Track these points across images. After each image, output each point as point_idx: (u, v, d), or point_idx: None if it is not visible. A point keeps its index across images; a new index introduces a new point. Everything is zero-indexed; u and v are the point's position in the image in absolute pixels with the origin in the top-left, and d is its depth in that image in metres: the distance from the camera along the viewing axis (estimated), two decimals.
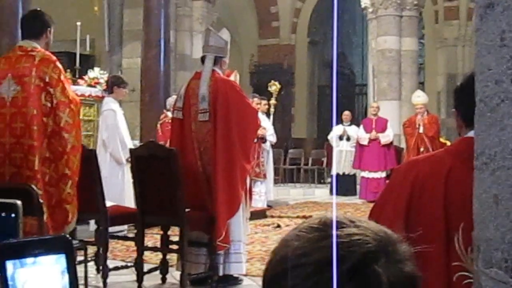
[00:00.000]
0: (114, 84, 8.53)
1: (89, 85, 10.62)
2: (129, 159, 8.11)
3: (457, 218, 1.84)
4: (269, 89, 13.46)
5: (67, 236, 0.95)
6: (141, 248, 5.60)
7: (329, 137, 14.80)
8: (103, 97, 9.48)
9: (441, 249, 1.86)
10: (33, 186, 4.44)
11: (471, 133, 1.93)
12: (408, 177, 2.08)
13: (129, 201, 8.09)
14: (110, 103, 8.45)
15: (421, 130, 12.49)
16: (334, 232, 0.89)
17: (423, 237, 1.93)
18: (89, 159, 5.36)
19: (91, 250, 5.76)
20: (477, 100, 1.10)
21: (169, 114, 8.45)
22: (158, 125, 10.34)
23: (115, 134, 8.28)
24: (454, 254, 1.81)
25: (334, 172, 13.52)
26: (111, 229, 5.79)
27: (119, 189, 8.21)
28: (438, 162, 2.06)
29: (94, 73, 10.95)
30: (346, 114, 14.51)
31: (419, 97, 12.99)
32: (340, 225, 0.92)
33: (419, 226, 1.92)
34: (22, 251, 0.89)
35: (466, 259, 1.75)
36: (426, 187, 2.00)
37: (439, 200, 1.94)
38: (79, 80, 10.93)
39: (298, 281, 0.89)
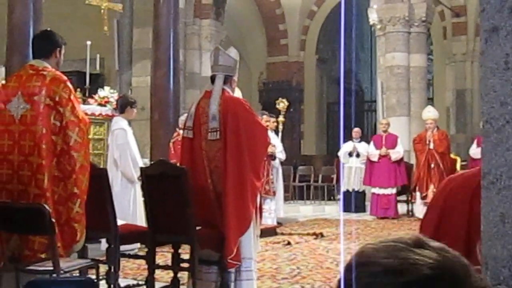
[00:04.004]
0: (127, 105, 8.52)
1: (99, 104, 10.70)
2: (140, 177, 8.17)
3: (478, 232, 1.92)
4: (277, 106, 13.49)
5: (92, 278, 0.96)
6: (152, 266, 5.61)
7: (339, 153, 14.81)
8: (113, 116, 9.52)
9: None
10: (45, 205, 4.48)
11: None
12: (443, 191, 2.26)
13: (141, 220, 8.12)
14: (120, 122, 8.47)
15: (431, 146, 12.49)
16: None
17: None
18: (100, 178, 5.39)
19: (103, 268, 5.78)
20: (483, 121, 1.12)
21: (182, 132, 8.52)
22: (171, 144, 10.36)
23: (126, 152, 8.30)
24: (474, 262, 1.86)
25: (342, 188, 13.50)
26: (122, 248, 5.81)
27: (132, 207, 8.23)
28: (470, 177, 2.18)
29: (104, 92, 11.03)
30: (356, 130, 14.51)
31: (430, 112, 13.02)
32: (419, 243, 0.98)
33: (446, 236, 2.00)
34: None
35: None
36: (456, 200, 2.14)
37: (465, 214, 2.06)
38: (89, 99, 11.01)
39: (361, 276, 0.96)
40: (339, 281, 1.01)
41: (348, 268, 1.00)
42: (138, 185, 8.34)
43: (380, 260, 0.96)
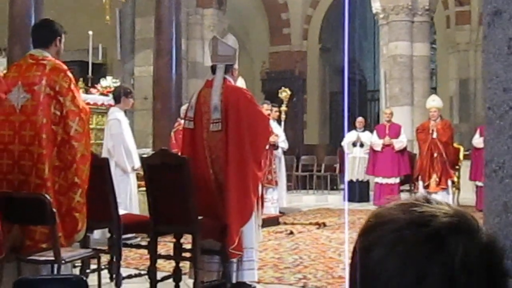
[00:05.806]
0: (123, 94, 8.52)
1: (102, 94, 10.68)
2: (135, 167, 8.19)
3: None
4: (280, 95, 13.44)
5: (83, 277, 0.94)
6: (154, 256, 5.60)
7: (343, 143, 14.78)
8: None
9: None
10: (46, 195, 4.46)
11: None
12: None
13: (136, 209, 8.14)
14: (115, 112, 8.47)
15: (434, 136, 12.44)
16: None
17: None
18: (102, 168, 5.38)
19: (105, 258, 5.77)
20: (486, 107, 1.09)
21: (183, 122, 8.52)
22: (172, 133, 10.34)
23: (119, 143, 8.32)
24: None
25: (346, 178, 13.47)
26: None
27: (127, 197, 8.23)
28: None
29: (107, 82, 11.02)
30: (360, 120, 14.48)
31: (434, 101, 12.94)
32: (427, 200, 1.04)
33: None
34: None
35: None
36: None
37: None
38: (92, 89, 11.00)
39: (385, 233, 1.00)
40: (355, 248, 1.04)
41: (366, 231, 1.04)
42: (132, 175, 8.38)
43: (399, 216, 1.01)
